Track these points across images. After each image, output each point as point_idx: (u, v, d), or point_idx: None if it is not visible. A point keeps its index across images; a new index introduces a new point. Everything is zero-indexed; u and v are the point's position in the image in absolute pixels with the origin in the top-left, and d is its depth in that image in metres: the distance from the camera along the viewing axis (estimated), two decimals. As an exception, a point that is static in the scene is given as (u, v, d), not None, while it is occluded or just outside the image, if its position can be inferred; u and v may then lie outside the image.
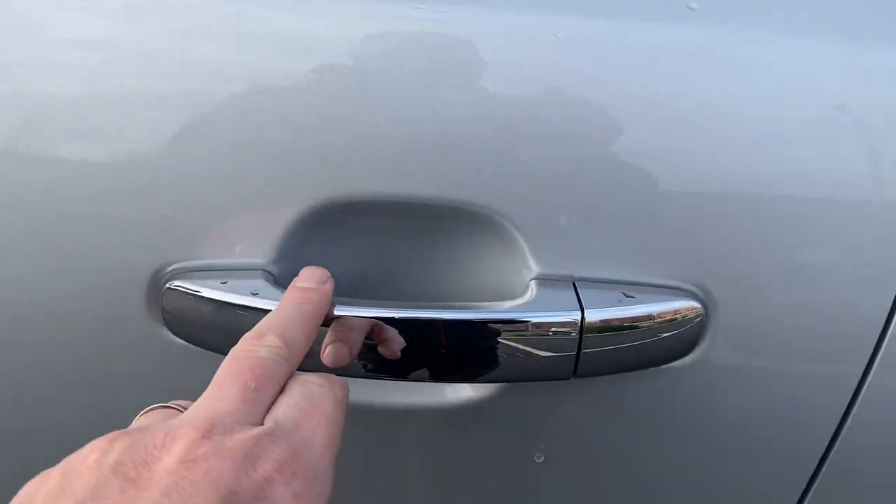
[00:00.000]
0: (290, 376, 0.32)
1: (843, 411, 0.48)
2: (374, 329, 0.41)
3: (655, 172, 0.41)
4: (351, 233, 0.44)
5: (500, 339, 0.41)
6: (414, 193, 0.41)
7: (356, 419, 0.47)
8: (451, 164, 0.40)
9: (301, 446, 0.28)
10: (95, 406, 0.48)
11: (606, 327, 0.41)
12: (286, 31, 0.39)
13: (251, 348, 0.32)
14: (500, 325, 0.40)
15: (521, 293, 0.43)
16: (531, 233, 0.42)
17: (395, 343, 0.41)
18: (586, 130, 0.40)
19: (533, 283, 0.43)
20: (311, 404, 0.31)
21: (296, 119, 0.39)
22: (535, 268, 0.43)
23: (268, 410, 0.30)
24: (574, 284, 0.42)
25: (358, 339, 0.41)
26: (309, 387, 0.32)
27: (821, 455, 0.50)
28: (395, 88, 0.39)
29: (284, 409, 0.30)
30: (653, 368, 0.44)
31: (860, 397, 0.47)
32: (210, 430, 0.27)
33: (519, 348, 0.41)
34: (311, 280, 0.37)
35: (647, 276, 0.43)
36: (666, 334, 0.43)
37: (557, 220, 0.42)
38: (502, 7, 0.40)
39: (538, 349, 0.41)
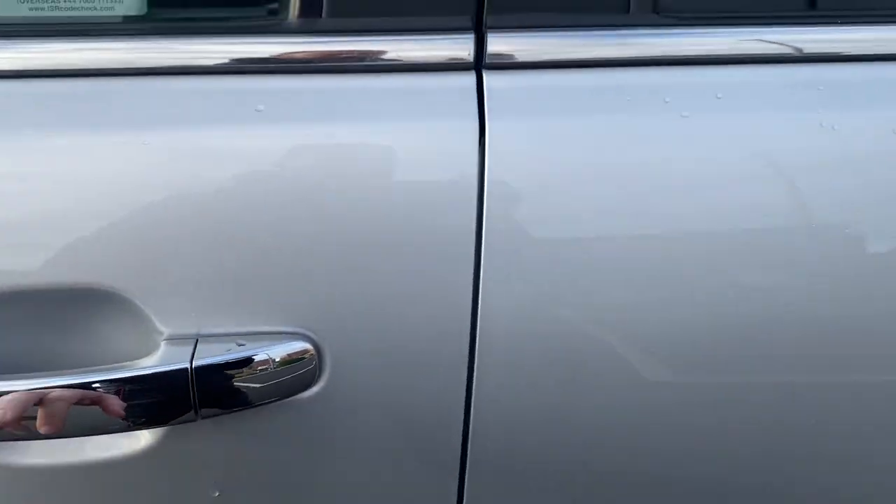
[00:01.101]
0: None
1: (464, 395, 0.56)
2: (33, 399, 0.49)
3: (267, 241, 0.51)
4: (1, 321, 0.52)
5: (125, 394, 0.49)
6: (49, 282, 0.50)
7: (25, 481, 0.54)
8: (78, 253, 0.50)
9: None
10: None
11: (214, 373, 0.50)
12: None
13: None
14: (118, 382, 0.49)
15: (153, 352, 0.52)
16: (155, 304, 0.51)
17: (48, 407, 0.49)
18: (208, 211, 0.50)
19: (164, 343, 0.51)
20: None
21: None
22: (164, 330, 0.52)
23: None
24: (196, 340, 0.51)
25: (18, 411, 0.49)
26: None
27: (461, 443, 0.58)
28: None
29: None
30: (280, 401, 0.53)
31: (474, 379, 0.56)
32: None
33: (143, 400, 0.50)
34: None
35: (267, 326, 0.53)
36: (277, 374, 0.52)
37: (179, 290, 0.51)
38: (108, 125, 0.50)
39: (159, 398, 0.50)
